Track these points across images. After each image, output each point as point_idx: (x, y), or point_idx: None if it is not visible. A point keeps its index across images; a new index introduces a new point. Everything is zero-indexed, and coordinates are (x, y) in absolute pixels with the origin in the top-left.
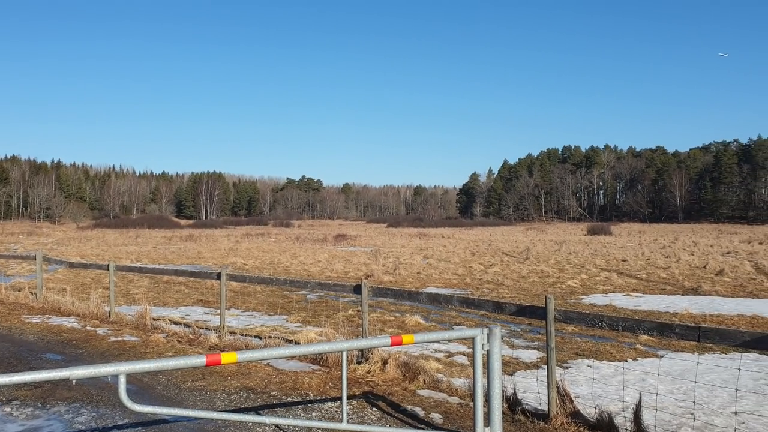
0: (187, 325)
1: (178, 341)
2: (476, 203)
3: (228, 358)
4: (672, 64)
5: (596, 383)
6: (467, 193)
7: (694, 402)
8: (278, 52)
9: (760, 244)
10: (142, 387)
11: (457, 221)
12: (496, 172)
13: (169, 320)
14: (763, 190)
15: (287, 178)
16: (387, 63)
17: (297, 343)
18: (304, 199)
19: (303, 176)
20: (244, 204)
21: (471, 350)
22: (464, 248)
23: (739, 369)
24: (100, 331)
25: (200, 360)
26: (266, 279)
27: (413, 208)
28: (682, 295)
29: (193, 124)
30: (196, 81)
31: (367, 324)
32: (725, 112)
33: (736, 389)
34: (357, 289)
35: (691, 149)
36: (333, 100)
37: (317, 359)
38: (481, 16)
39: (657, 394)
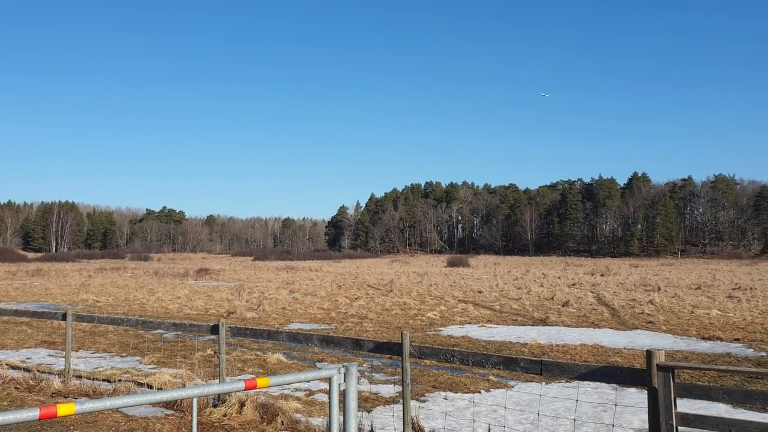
0: (27, 370)
1: (16, 388)
2: (344, 236)
3: (65, 409)
4: (522, 107)
5: (450, 416)
6: (336, 226)
7: None
8: (137, 78)
9: (602, 275)
10: None
11: (326, 254)
12: (364, 206)
13: (7, 365)
14: (604, 226)
15: (147, 209)
16: (254, 92)
17: (149, 386)
18: (165, 232)
19: (164, 207)
20: (99, 236)
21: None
22: (331, 281)
23: (576, 400)
24: None
25: (32, 414)
26: (116, 319)
27: (281, 241)
28: (532, 325)
29: (45, 150)
30: (49, 103)
31: (224, 365)
32: (571, 152)
33: (574, 419)
34: (214, 329)
35: (540, 187)
36: (198, 129)
37: (171, 403)
38: (346, 55)
39: (505, 427)
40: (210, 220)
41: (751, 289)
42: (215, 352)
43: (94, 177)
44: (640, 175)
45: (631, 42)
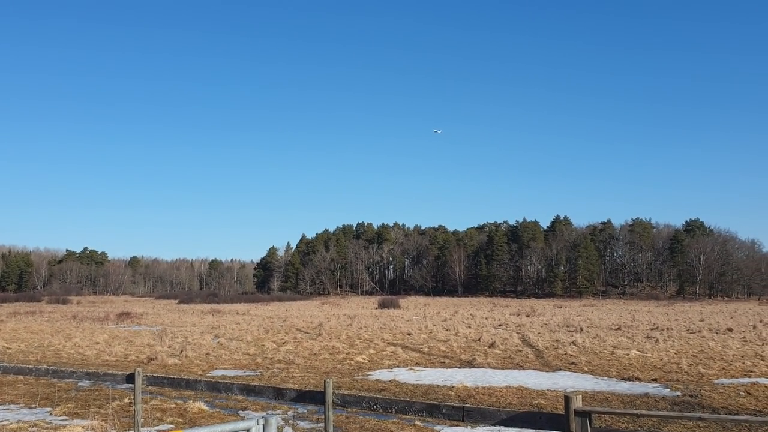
0: None
1: None
2: (274, 278)
3: None
4: (449, 150)
5: None
6: (265, 268)
7: None
8: (56, 116)
9: (527, 316)
10: None
11: (254, 296)
12: (295, 247)
13: None
14: (529, 267)
15: (67, 250)
16: (178, 132)
17: None
18: (85, 273)
19: (86, 248)
20: (14, 278)
21: None
22: (259, 325)
23: None
24: None
25: None
26: (25, 368)
27: (208, 283)
28: (459, 368)
29: None
30: None
31: (140, 416)
32: (497, 195)
33: None
34: (130, 378)
35: (468, 228)
36: (122, 167)
37: None
38: (273, 94)
39: None
40: (133, 262)
41: (667, 329)
42: (131, 402)
43: (11, 216)
44: (562, 218)
45: (549, 91)
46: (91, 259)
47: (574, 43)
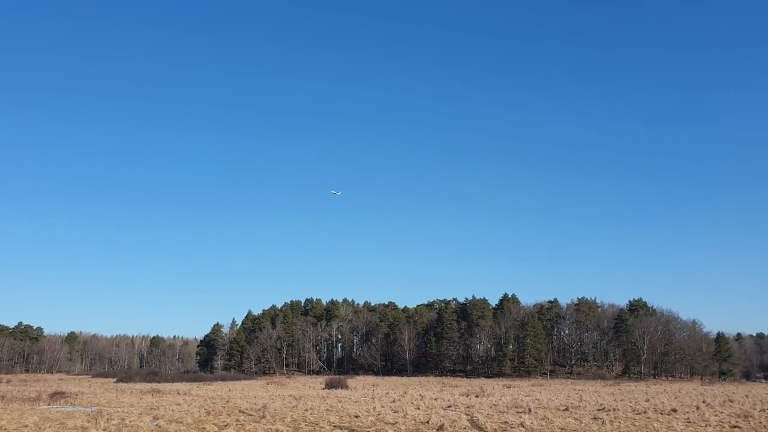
0: None
1: None
2: (218, 356)
3: None
4: (399, 227)
5: None
6: (209, 345)
7: None
8: None
9: (477, 396)
10: None
11: (197, 375)
12: (240, 324)
13: None
14: (478, 346)
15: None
16: (127, 206)
17: None
18: (18, 350)
19: (20, 323)
20: None
21: None
22: (200, 406)
23: None
24: None
25: None
26: None
27: (148, 361)
28: None
29: None
30: None
31: None
32: (446, 272)
33: None
34: None
35: (418, 305)
36: (62, 240)
37: None
38: (231, 166)
39: None
40: (71, 338)
41: (614, 410)
42: None
43: None
44: (510, 296)
45: (499, 167)
46: (26, 334)
47: (523, 113)
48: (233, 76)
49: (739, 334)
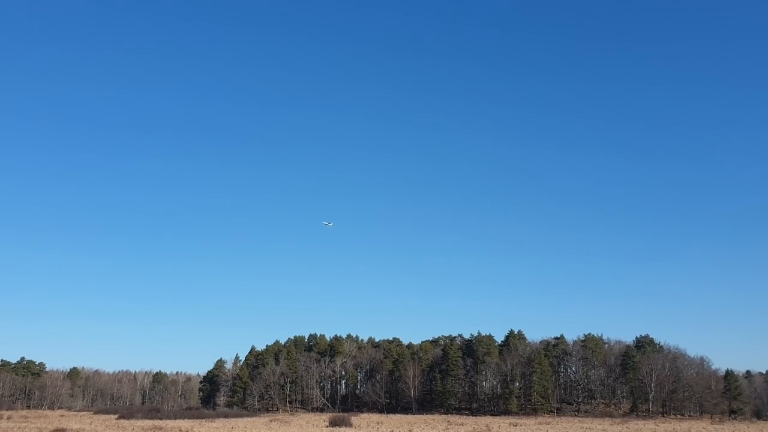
0: None
1: None
2: (220, 392)
3: None
4: (403, 261)
5: None
6: (212, 381)
7: None
8: None
9: None
10: None
11: (199, 412)
12: (243, 359)
13: None
14: (484, 383)
15: (2, 360)
16: (122, 238)
17: None
18: (20, 386)
19: (22, 358)
20: None
21: None
22: None
23: None
24: None
25: None
26: None
27: (150, 397)
28: None
29: None
30: None
31: None
32: (452, 308)
33: None
34: None
35: (423, 341)
36: (65, 275)
37: None
38: (229, 197)
39: None
40: (73, 373)
41: None
42: None
43: None
44: (516, 332)
45: (503, 203)
46: (28, 370)
47: (532, 150)
48: (233, 105)
49: (748, 372)
